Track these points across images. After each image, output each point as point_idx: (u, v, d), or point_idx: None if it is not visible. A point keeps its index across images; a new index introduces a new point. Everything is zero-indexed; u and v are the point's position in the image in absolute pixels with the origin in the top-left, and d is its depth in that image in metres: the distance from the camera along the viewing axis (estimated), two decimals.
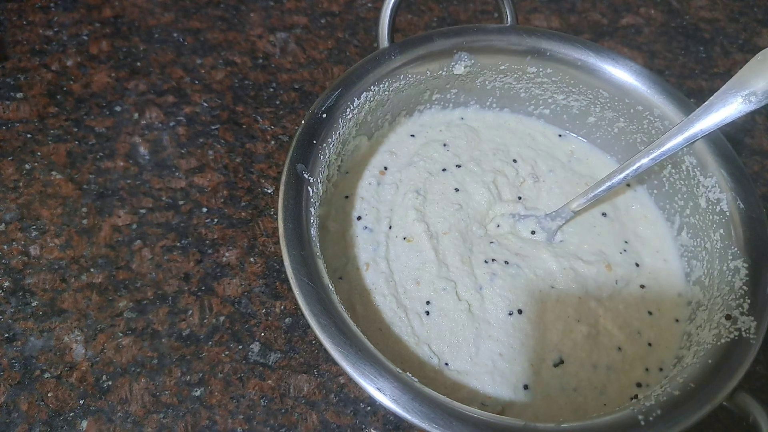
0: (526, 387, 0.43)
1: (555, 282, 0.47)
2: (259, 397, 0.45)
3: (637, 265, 0.49)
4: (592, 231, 0.51)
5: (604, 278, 0.48)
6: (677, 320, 0.47)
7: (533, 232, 0.50)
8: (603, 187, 0.47)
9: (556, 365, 0.44)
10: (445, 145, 0.54)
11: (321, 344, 0.36)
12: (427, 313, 0.45)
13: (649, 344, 0.45)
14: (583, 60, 0.51)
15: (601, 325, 0.46)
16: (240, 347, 0.47)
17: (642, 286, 0.48)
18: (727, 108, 0.41)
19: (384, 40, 0.50)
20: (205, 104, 0.61)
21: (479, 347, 0.44)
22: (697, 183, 0.47)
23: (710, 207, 0.46)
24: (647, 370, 0.44)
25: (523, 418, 0.40)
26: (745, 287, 0.40)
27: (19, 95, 0.59)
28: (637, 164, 0.45)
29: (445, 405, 0.34)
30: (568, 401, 0.43)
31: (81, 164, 0.55)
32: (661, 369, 0.44)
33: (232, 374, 0.46)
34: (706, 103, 0.42)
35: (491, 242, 0.49)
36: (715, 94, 0.41)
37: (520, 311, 0.45)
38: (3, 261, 0.49)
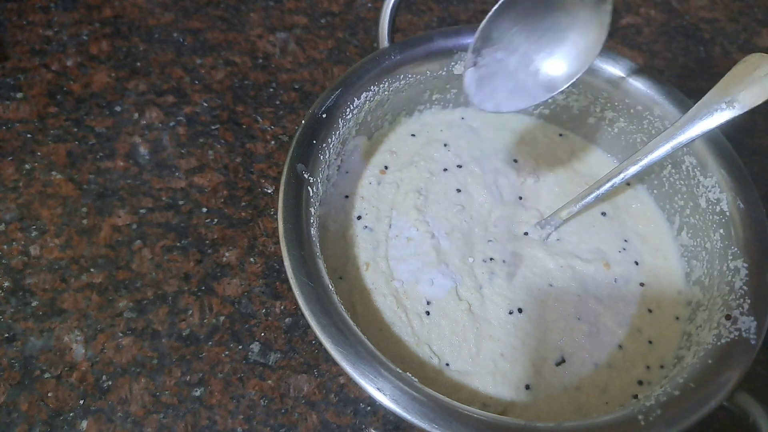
0: (528, 387, 0.43)
1: (553, 280, 0.47)
2: (259, 397, 0.45)
3: (637, 263, 0.49)
4: (590, 230, 0.51)
5: (602, 276, 0.48)
6: (677, 318, 0.47)
7: (526, 233, 0.50)
8: (590, 197, 0.47)
9: (557, 364, 0.44)
10: (445, 145, 0.54)
11: (321, 344, 0.36)
12: (428, 313, 0.45)
13: (650, 342, 0.46)
14: None
15: (602, 323, 0.46)
16: (240, 347, 0.47)
17: (642, 284, 0.48)
18: (712, 116, 0.41)
19: (384, 40, 0.50)
20: (205, 104, 0.61)
21: (480, 347, 0.44)
22: (697, 183, 0.47)
23: (710, 207, 0.46)
24: (648, 367, 0.44)
25: (525, 418, 0.41)
26: (745, 287, 0.40)
27: (19, 95, 0.59)
28: (624, 173, 0.45)
29: (445, 405, 0.34)
30: (571, 400, 0.43)
31: (81, 164, 0.55)
32: (662, 366, 0.44)
33: (232, 374, 0.46)
34: (690, 110, 0.42)
35: (489, 240, 0.49)
36: (699, 102, 0.42)
37: (520, 310, 0.46)
38: (3, 261, 0.49)
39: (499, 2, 0.39)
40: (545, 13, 0.40)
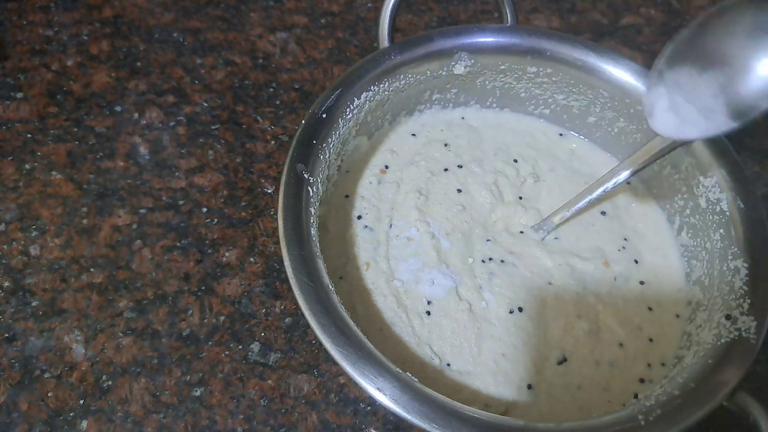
0: (529, 387, 0.43)
1: (552, 279, 0.47)
2: (259, 397, 0.45)
3: (636, 261, 0.49)
4: (590, 229, 0.51)
5: (601, 275, 0.48)
6: (678, 316, 0.47)
7: (522, 233, 0.50)
8: (583, 202, 0.47)
9: (559, 363, 0.44)
10: (446, 144, 0.54)
11: (321, 344, 0.36)
12: (428, 313, 0.45)
13: (650, 340, 0.46)
14: (583, 60, 0.51)
15: (602, 321, 0.46)
16: (240, 347, 0.47)
17: (641, 283, 0.48)
18: None
19: (384, 40, 0.50)
20: (205, 104, 0.61)
21: (481, 347, 0.44)
22: (697, 183, 0.47)
23: (710, 207, 0.46)
24: (649, 365, 0.44)
25: (527, 418, 0.40)
26: (745, 287, 0.40)
27: (19, 95, 0.59)
28: (616, 177, 0.45)
29: (445, 405, 0.34)
30: (573, 399, 0.43)
31: (81, 164, 0.55)
32: (663, 364, 0.44)
33: (232, 374, 0.46)
34: None
35: (488, 240, 0.49)
36: None
37: (520, 309, 0.46)
38: (3, 261, 0.49)
39: (688, 27, 0.36)
40: (738, 40, 0.36)
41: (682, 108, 0.39)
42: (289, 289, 0.39)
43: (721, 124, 0.38)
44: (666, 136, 0.40)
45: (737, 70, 0.37)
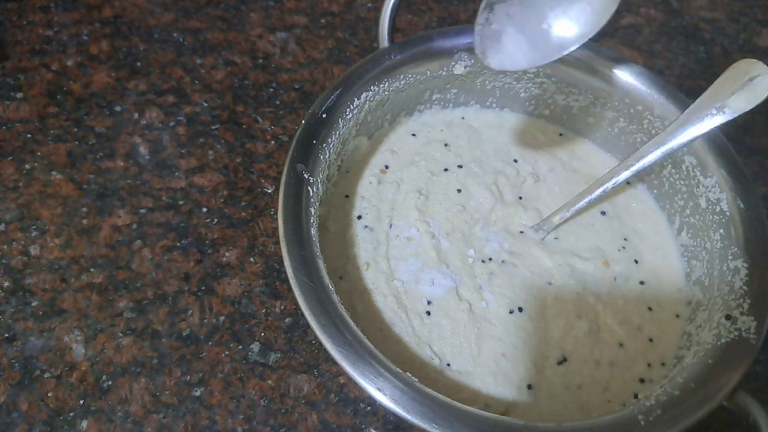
0: (530, 387, 0.43)
1: (552, 278, 0.47)
2: (259, 397, 0.45)
3: (636, 261, 0.49)
4: (589, 229, 0.51)
5: (601, 274, 0.48)
6: (678, 316, 0.47)
7: (522, 233, 0.50)
8: (582, 202, 0.48)
9: (559, 363, 0.44)
10: (446, 144, 0.54)
11: (321, 344, 0.36)
12: (428, 313, 0.45)
13: (650, 340, 0.46)
14: (584, 60, 0.51)
15: (602, 321, 0.46)
16: (240, 347, 0.47)
17: (641, 283, 0.48)
18: (702, 122, 0.41)
19: (384, 40, 0.50)
20: (205, 104, 0.61)
21: (481, 347, 0.44)
22: (697, 183, 0.47)
23: (710, 207, 0.46)
24: (649, 365, 0.45)
25: (527, 418, 0.40)
26: (745, 287, 0.40)
27: (19, 95, 0.59)
28: (616, 178, 0.45)
29: (445, 405, 0.34)
30: (573, 399, 0.43)
31: (81, 164, 0.55)
32: (663, 364, 0.45)
33: (232, 374, 0.46)
34: (681, 116, 0.42)
35: (488, 240, 0.49)
36: (689, 108, 0.42)
37: (520, 309, 0.46)
38: (3, 261, 0.49)
39: None
40: None
41: (513, 39, 0.41)
42: (289, 289, 0.39)
43: (549, 53, 0.40)
44: (498, 69, 0.41)
45: (555, 4, 0.39)
